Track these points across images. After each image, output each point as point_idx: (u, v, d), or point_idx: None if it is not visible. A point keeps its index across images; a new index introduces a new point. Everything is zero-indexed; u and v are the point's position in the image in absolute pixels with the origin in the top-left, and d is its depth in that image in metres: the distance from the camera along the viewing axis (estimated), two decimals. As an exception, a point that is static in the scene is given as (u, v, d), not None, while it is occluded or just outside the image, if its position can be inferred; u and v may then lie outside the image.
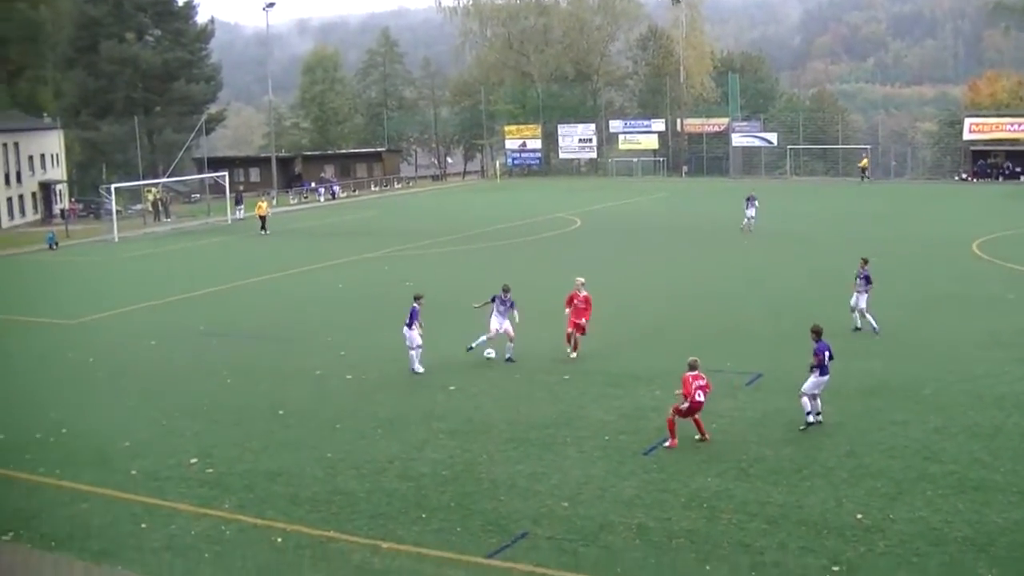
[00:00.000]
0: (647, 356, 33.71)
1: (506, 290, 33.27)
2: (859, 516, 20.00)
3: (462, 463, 23.72)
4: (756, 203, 67.10)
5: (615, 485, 22.01)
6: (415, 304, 32.17)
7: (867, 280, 36.00)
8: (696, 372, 24.63)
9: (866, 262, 36.52)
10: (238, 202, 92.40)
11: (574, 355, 33.41)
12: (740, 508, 20.42)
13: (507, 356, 33.15)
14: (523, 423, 26.56)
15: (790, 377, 29.19)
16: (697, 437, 24.58)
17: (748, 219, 66.16)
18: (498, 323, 33.09)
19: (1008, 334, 35.28)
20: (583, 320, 33.46)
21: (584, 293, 33.66)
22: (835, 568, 17.90)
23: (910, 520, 19.77)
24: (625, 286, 46.44)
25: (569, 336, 33.56)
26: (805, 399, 25.53)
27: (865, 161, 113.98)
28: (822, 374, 25.52)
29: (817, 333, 26.07)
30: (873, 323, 35.52)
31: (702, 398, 24.50)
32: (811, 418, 25.46)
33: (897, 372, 30.43)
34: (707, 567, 18.06)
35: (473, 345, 33.41)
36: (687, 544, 18.97)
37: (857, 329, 35.75)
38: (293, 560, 18.87)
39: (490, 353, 33.23)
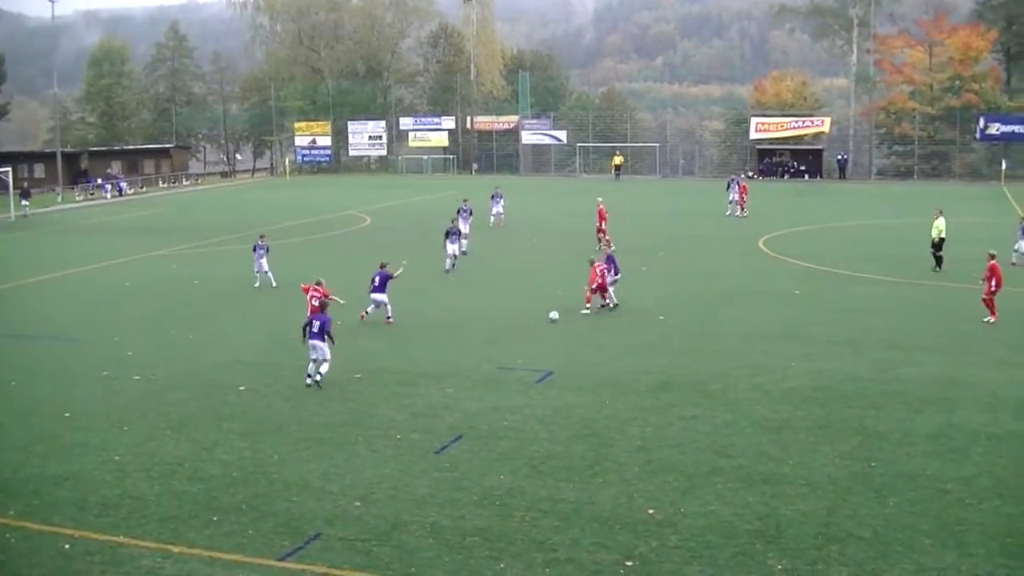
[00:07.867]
0: (439, 352, 33.69)
1: (383, 266, 37.93)
2: (651, 511, 20.24)
3: (253, 464, 23.35)
4: (502, 199, 69.29)
5: (408, 484, 21.93)
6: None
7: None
8: None
9: None
10: (25, 197, 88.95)
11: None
12: (533, 505, 20.54)
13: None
14: (314, 423, 26.30)
15: (581, 374, 29.61)
16: None
17: (496, 214, 68.41)
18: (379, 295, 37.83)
19: (795, 328, 36.21)
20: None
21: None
22: (628, 563, 18.07)
23: (701, 514, 20.10)
24: (417, 283, 46.30)
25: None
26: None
27: (619, 158, 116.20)
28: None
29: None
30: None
31: None
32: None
33: (687, 367, 31.00)
34: (501, 565, 18.08)
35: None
36: (481, 542, 18.98)
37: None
38: (81, 567, 18.27)
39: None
